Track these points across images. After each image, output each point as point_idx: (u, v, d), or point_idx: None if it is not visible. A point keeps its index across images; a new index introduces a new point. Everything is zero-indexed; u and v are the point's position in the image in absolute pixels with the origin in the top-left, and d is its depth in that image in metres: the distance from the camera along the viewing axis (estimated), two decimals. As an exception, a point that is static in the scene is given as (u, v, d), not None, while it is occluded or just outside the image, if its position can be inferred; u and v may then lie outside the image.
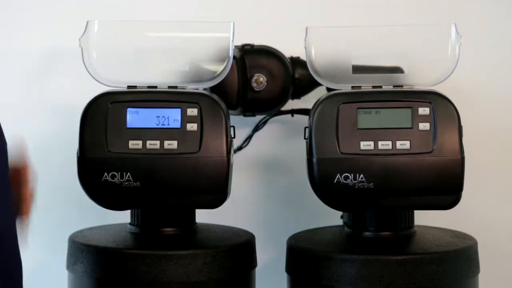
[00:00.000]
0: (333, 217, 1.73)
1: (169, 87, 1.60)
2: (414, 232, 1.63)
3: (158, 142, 1.54)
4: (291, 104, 1.86)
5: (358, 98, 1.56)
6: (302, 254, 1.59)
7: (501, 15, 1.98)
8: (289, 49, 1.80)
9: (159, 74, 1.63)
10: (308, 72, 1.64)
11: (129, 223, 1.66)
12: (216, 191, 1.55)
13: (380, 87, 1.60)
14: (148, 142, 1.54)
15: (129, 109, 1.55)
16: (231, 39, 1.62)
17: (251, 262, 1.64)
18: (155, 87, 1.60)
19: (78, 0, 1.93)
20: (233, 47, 1.63)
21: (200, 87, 1.62)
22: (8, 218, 1.33)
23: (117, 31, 1.67)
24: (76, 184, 1.56)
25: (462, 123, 1.54)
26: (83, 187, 1.54)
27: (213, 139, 1.54)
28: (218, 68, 1.63)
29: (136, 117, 1.55)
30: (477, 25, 1.94)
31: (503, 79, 1.98)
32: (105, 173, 1.52)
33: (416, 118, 1.54)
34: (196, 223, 1.67)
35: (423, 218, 1.68)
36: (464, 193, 1.54)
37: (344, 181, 1.52)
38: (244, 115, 1.83)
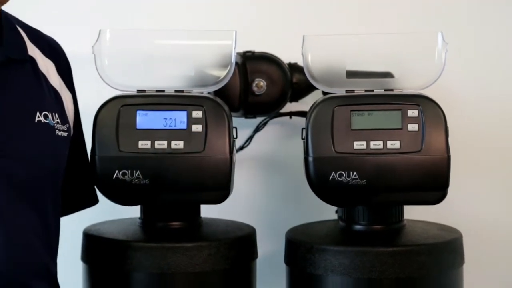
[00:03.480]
0: (328, 212, 1.73)
1: (176, 91, 1.61)
2: (404, 226, 1.64)
3: (165, 142, 1.54)
4: (289, 107, 1.86)
5: (351, 101, 1.56)
6: (300, 246, 1.59)
7: (487, 22, 1.98)
8: (287, 56, 1.81)
9: (166, 79, 1.63)
10: (305, 77, 1.65)
11: (139, 218, 1.67)
12: (219, 188, 1.55)
13: (372, 90, 1.60)
14: (156, 142, 1.54)
15: (138, 112, 1.55)
16: (233, 46, 1.62)
17: (252, 253, 1.65)
18: (163, 91, 1.60)
19: (91, 9, 1.93)
20: (235, 54, 1.63)
21: (205, 91, 1.62)
22: None
23: (127, 39, 1.68)
24: (90, 181, 1.57)
25: (448, 124, 1.54)
26: (96, 184, 1.55)
27: (216, 139, 1.54)
28: (221, 73, 1.63)
29: (145, 119, 1.55)
30: (463, 33, 1.94)
31: (487, 83, 1.97)
32: (117, 171, 1.52)
33: (406, 119, 1.54)
34: (201, 217, 1.68)
35: (412, 212, 1.68)
36: (450, 189, 1.54)
37: (339, 179, 1.53)
38: (246, 117, 1.84)
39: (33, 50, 1.43)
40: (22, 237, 1.33)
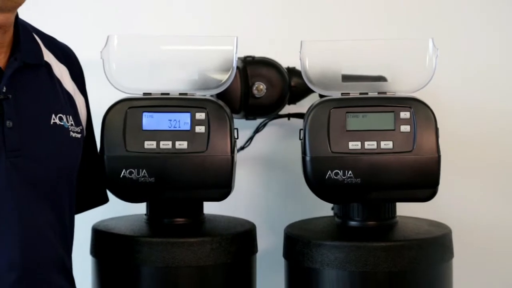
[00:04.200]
0: (325, 209, 1.73)
1: (180, 94, 1.61)
2: (396, 222, 1.64)
3: (170, 143, 1.54)
4: (288, 109, 1.86)
5: (347, 103, 1.57)
6: (298, 241, 1.59)
7: (475, 29, 1.98)
8: (286, 60, 1.81)
9: (171, 82, 1.64)
10: (302, 81, 1.65)
11: (145, 214, 1.67)
12: (221, 186, 1.56)
13: (366, 93, 1.60)
14: (161, 142, 1.54)
15: (144, 113, 1.56)
16: (234, 51, 1.62)
17: (252, 248, 1.65)
18: (168, 94, 1.61)
19: (99, 16, 1.94)
20: (236, 59, 1.63)
21: (208, 94, 1.62)
22: None
23: (134, 45, 1.68)
24: (99, 179, 1.57)
25: (439, 126, 1.55)
26: (105, 182, 1.55)
27: (219, 140, 1.55)
28: (223, 77, 1.64)
29: (151, 120, 1.56)
30: (453, 39, 1.94)
31: (475, 86, 1.98)
32: (124, 170, 1.53)
33: (398, 121, 1.55)
34: (204, 214, 1.68)
35: (404, 209, 1.68)
36: (440, 187, 1.55)
37: (335, 177, 1.53)
38: (246, 119, 1.84)
39: (48, 56, 1.44)
40: (39, 233, 1.34)
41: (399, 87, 1.62)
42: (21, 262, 1.30)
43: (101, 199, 1.62)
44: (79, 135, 1.43)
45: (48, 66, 1.43)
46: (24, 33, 1.40)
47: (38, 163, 1.34)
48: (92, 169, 1.55)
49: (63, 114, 1.40)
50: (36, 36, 1.44)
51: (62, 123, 1.39)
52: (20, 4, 1.33)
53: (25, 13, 1.41)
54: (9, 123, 1.31)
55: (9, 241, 1.30)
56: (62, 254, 1.39)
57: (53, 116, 1.38)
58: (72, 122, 1.42)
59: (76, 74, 1.50)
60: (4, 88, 1.32)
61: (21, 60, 1.36)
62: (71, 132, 1.41)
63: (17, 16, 1.38)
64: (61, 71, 1.45)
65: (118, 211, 1.71)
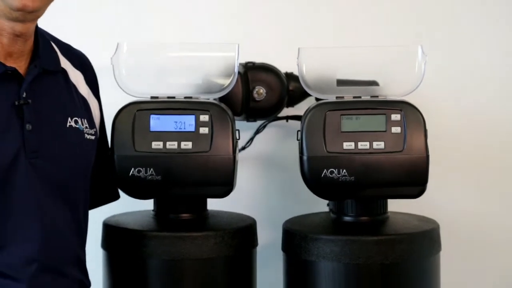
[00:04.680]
0: (321, 205, 1.73)
1: (185, 97, 1.62)
2: (387, 217, 1.65)
3: (176, 143, 1.55)
4: (286, 111, 1.87)
5: (341, 106, 1.58)
6: (295, 235, 1.60)
7: (463, 38, 1.97)
8: (284, 66, 1.81)
9: (176, 86, 1.64)
10: (300, 85, 1.66)
11: (152, 210, 1.68)
12: (224, 184, 1.57)
13: (360, 97, 1.61)
14: (167, 143, 1.55)
15: (152, 116, 1.57)
16: (236, 57, 1.63)
17: (253, 242, 1.66)
18: (174, 97, 1.62)
19: (109, 25, 1.94)
20: (238, 64, 1.64)
21: (211, 97, 1.64)
22: None
23: (142, 51, 1.68)
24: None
25: (428, 127, 1.56)
26: (115, 180, 1.57)
27: (221, 140, 1.56)
28: (226, 81, 1.64)
29: (158, 122, 1.57)
30: (440, 45, 1.94)
31: (462, 89, 1.97)
32: (132, 169, 1.54)
33: (389, 123, 1.56)
34: (207, 210, 1.69)
35: (395, 205, 1.68)
36: (429, 185, 1.55)
37: (330, 175, 1.54)
38: (247, 121, 1.85)
39: (64, 63, 1.44)
40: (56, 228, 1.35)
41: (390, 91, 1.63)
42: (39, 255, 1.31)
43: (113, 196, 1.62)
44: (93, 137, 1.44)
45: (64, 72, 1.43)
46: (43, 42, 1.40)
47: (55, 163, 1.35)
48: (105, 168, 1.55)
49: (78, 118, 1.41)
50: (54, 44, 1.45)
51: (77, 126, 1.40)
52: (39, 16, 1.34)
53: (42, 21, 1.40)
54: (28, 126, 1.31)
55: (29, 236, 1.31)
56: (76, 247, 1.40)
57: (69, 119, 1.39)
58: (87, 125, 1.43)
59: (91, 79, 1.51)
60: (24, 93, 1.32)
61: (40, 67, 1.36)
62: (85, 134, 1.42)
63: (36, 25, 1.38)
64: (76, 77, 1.46)
65: (127, 207, 1.71)
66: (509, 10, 1.96)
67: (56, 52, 1.44)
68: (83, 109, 1.45)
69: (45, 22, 1.44)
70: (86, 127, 1.42)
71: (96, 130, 1.48)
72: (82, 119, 1.42)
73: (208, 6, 1.96)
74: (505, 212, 1.99)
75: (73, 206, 1.39)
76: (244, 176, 1.81)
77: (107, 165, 1.56)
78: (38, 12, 1.32)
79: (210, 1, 1.97)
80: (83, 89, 1.47)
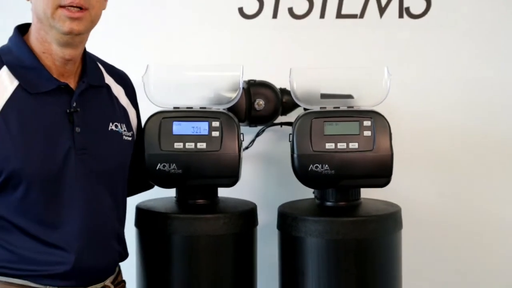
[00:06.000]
0: (308, 193, 1.71)
1: (201, 107, 1.62)
2: (360, 202, 1.65)
3: (193, 144, 1.56)
4: (280, 119, 1.86)
5: (324, 115, 1.58)
6: (288, 217, 1.60)
7: (424, 58, 1.94)
8: (279, 83, 1.80)
9: (194, 99, 1.64)
10: (291, 98, 1.66)
11: (175, 197, 1.67)
12: (231, 176, 1.57)
13: (338, 107, 1.61)
14: (186, 143, 1.56)
15: (174, 122, 1.57)
16: (241, 76, 1.63)
17: (254, 222, 1.66)
18: (191, 107, 1.62)
19: (141, 48, 1.93)
20: (242, 81, 1.64)
21: (221, 108, 1.63)
22: None
23: (166, 71, 1.68)
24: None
25: (392, 131, 1.56)
26: (146, 173, 1.56)
27: (229, 142, 1.56)
28: (232, 95, 1.64)
29: (179, 127, 1.57)
30: (404, 66, 1.91)
31: (420, 101, 1.94)
32: (159, 164, 1.54)
33: (362, 128, 1.56)
34: (218, 196, 1.68)
35: (366, 193, 1.68)
36: (392, 177, 1.56)
37: (315, 169, 1.55)
38: (250, 126, 1.84)
39: (108, 79, 1.45)
40: (100, 210, 1.35)
41: (362, 102, 1.63)
42: (86, 231, 1.31)
43: (147, 186, 1.62)
44: (130, 138, 1.44)
45: (108, 87, 1.44)
46: (90, 63, 1.41)
47: (99, 159, 1.35)
48: (140, 164, 1.55)
49: (118, 123, 1.41)
50: (100, 65, 1.45)
51: (117, 129, 1.41)
52: (84, 40, 1.35)
53: (92, 48, 1.43)
54: (77, 129, 1.32)
55: (78, 216, 1.31)
56: (117, 226, 1.41)
57: (111, 124, 1.40)
58: (125, 128, 1.43)
59: (130, 92, 1.51)
60: (74, 103, 1.34)
61: (87, 83, 1.37)
62: (123, 136, 1.42)
63: (85, 50, 1.39)
64: (118, 91, 1.47)
65: (155, 194, 1.69)
66: (465, 35, 1.94)
67: (101, 71, 1.45)
68: (123, 116, 1.45)
69: (94, 48, 1.45)
70: (124, 130, 1.42)
71: (133, 132, 1.47)
72: (121, 124, 1.42)
73: (219, 35, 1.94)
74: (454, 198, 1.97)
75: (113, 193, 1.39)
76: (247, 170, 1.80)
77: (142, 161, 1.56)
78: (82, 35, 1.32)
79: (220, 32, 1.94)
80: (123, 100, 1.47)
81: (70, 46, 1.32)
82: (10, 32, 1.37)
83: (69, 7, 1.28)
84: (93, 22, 1.33)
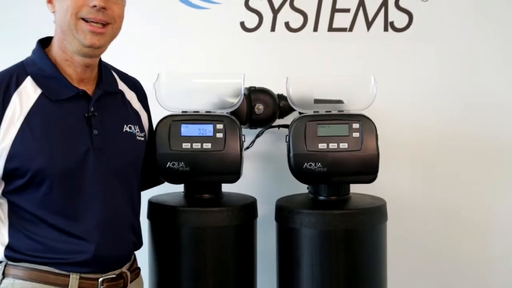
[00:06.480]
0: (302, 188, 1.72)
1: (206, 111, 1.62)
2: (350, 197, 1.66)
3: (199, 144, 1.56)
4: (278, 122, 1.85)
5: (317, 118, 1.58)
6: (284, 210, 1.61)
7: (404, 69, 1.95)
8: (277, 89, 1.80)
9: (200, 104, 1.64)
10: (288, 103, 1.67)
11: (183, 192, 1.68)
12: (233, 173, 1.57)
13: (330, 111, 1.62)
14: (193, 144, 1.56)
15: (182, 125, 1.57)
16: (242, 83, 1.64)
17: (254, 214, 1.66)
18: (198, 111, 1.62)
19: (153, 58, 1.92)
20: (244, 88, 1.64)
21: (224, 112, 1.64)
22: None
23: (175, 78, 1.68)
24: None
25: (378, 132, 1.57)
26: (157, 170, 1.56)
27: (232, 142, 1.56)
28: (235, 100, 1.65)
29: (186, 129, 1.57)
30: (389, 75, 1.91)
31: (405, 104, 1.95)
32: (169, 162, 1.54)
33: (351, 130, 1.56)
34: (222, 191, 1.69)
35: (355, 188, 1.69)
36: (378, 174, 1.57)
37: (309, 167, 1.55)
38: (250, 128, 1.84)
39: (122, 86, 1.45)
40: (116, 204, 1.35)
41: (352, 107, 1.63)
42: (104, 223, 1.32)
43: (158, 182, 1.62)
44: (142, 138, 1.44)
45: (121, 93, 1.44)
46: (105, 71, 1.41)
47: (115, 157, 1.35)
48: (152, 162, 1.54)
49: (131, 125, 1.42)
50: (114, 73, 1.46)
51: (131, 131, 1.41)
52: (103, 52, 1.36)
53: (107, 57, 1.43)
54: (95, 131, 1.33)
55: (96, 209, 1.32)
56: (132, 218, 1.41)
57: (125, 126, 1.40)
58: (138, 130, 1.43)
59: (142, 97, 1.51)
60: (92, 108, 1.34)
61: (103, 89, 1.38)
62: (137, 136, 1.42)
63: (100, 59, 1.40)
64: (130, 96, 1.47)
65: (165, 189, 1.69)
66: (443, 47, 1.94)
67: (115, 78, 1.45)
68: (135, 119, 1.45)
69: (108, 58, 1.44)
70: (137, 131, 1.43)
71: (145, 133, 1.48)
72: (135, 126, 1.43)
73: (223, 46, 1.94)
74: (432, 193, 1.97)
75: (128, 188, 1.39)
76: (248, 167, 1.78)
77: (153, 160, 1.55)
78: (102, 48, 1.34)
79: (224, 43, 1.94)
80: (136, 104, 1.48)
81: (89, 56, 1.34)
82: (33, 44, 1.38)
83: (92, 22, 1.28)
84: (113, 36, 1.34)
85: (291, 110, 1.77)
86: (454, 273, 1.99)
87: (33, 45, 1.37)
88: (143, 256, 1.57)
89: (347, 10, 1.93)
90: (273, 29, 1.94)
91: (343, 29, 1.94)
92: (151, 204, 1.63)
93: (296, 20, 1.94)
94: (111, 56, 1.44)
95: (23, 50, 1.38)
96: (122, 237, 1.37)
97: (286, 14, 1.93)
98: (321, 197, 1.64)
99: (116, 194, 1.36)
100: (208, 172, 1.56)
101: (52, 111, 1.30)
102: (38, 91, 1.30)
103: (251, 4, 1.93)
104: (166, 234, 1.58)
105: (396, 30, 1.94)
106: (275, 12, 1.93)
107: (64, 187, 1.29)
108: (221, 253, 1.57)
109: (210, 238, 1.56)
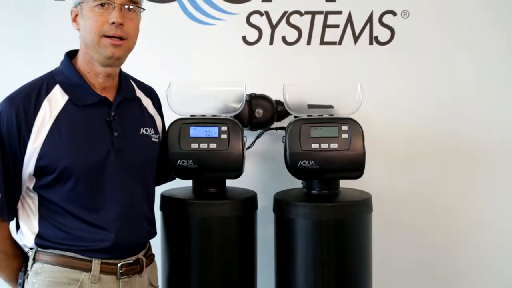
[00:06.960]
0: (297, 183, 1.72)
1: (212, 115, 1.63)
2: (339, 191, 1.66)
3: (206, 144, 1.56)
4: (276, 124, 1.85)
5: (311, 121, 1.59)
6: (282, 202, 1.62)
7: (388, 74, 1.94)
8: (275, 95, 1.80)
9: (206, 108, 1.65)
10: (284, 108, 1.67)
11: (192, 186, 1.68)
12: (236, 170, 1.58)
13: (322, 115, 1.63)
14: (201, 144, 1.56)
15: (191, 127, 1.58)
16: (244, 90, 1.64)
17: (254, 206, 1.66)
18: (205, 115, 1.63)
19: (166, 68, 1.92)
20: (245, 95, 1.65)
21: (228, 116, 1.64)
22: None
23: (185, 86, 1.68)
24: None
25: (364, 134, 1.58)
26: (168, 167, 1.56)
27: (235, 143, 1.57)
28: (237, 105, 1.65)
29: (195, 131, 1.58)
30: (373, 83, 1.90)
31: (388, 109, 1.95)
32: (179, 160, 1.55)
33: (340, 131, 1.58)
34: (226, 186, 1.69)
35: (344, 183, 1.69)
36: (365, 170, 1.58)
37: (303, 165, 1.56)
38: (251, 130, 1.84)
39: (139, 93, 1.46)
40: (133, 198, 1.36)
41: (341, 111, 1.64)
42: (122, 215, 1.33)
43: (170, 178, 1.62)
44: (157, 140, 1.45)
45: (139, 99, 1.45)
46: (124, 80, 1.43)
47: (133, 157, 1.37)
48: (165, 161, 1.55)
49: (147, 127, 1.43)
50: (132, 81, 1.47)
51: (147, 133, 1.42)
52: (122, 63, 1.38)
53: (127, 67, 1.44)
54: (116, 134, 1.34)
55: (116, 203, 1.33)
56: (147, 210, 1.41)
57: (141, 128, 1.41)
58: (153, 132, 1.44)
59: (156, 103, 1.51)
60: (113, 113, 1.36)
61: (123, 96, 1.39)
62: (152, 138, 1.43)
63: (120, 69, 1.42)
64: (147, 102, 1.48)
65: (176, 184, 1.69)
66: (422, 58, 1.94)
67: (133, 86, 1.46)
68: (151, 122, 1.46)
69: (126, 68, 1.45)
70: (152, 134, 1.43)
71: (159, 135, 1.48)
72: (150, 129, 1.43)
73: (227, 58, 1.93)
74: (412, 188, 1.97)
75: (144, 183, 1.40)
76: (249, 165, 1.82)
77: (166, 159, 1.56)
78: (121, 59, 1.35)
79: (228, 55, 1.93)
80: (151, 110, 1.49)
81: (110, 66, 1.36)
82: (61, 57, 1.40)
83: (112, 37, 1.31)
84: (129, 49, 1.36)
85: (287, 114, 1.78)
86: (430, 255, 1.99)
87: (54, 54, 1.40)
88: (157, 243, 1.57)
89: (337, 26, 1.95)
90: (271, 42, 1.95)
91: (333, 43, 1.95)
92: (163, 197, 1.64)
93: (291, 35, 1.95)
94: (130, 66, 1.46)
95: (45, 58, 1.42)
96: (139, 227, 1.38)
97: (283, 29, 1.95)
98: (314, 191, 1.65)
99: (133, 189, 1.36)
100: (214, 169, 1.57)
101: (77, 115, 1.32)
102: (66, 97, 1.33)
103: (252, 20, 1.95)
104: (177, 224, 1.59)
105: (380, 43, 1.96)
106: (273, 27, 1.95)
107: (87, 183, 1.30)
108: (225, 240, 1.58)
109: (215, 227, 1.57)
